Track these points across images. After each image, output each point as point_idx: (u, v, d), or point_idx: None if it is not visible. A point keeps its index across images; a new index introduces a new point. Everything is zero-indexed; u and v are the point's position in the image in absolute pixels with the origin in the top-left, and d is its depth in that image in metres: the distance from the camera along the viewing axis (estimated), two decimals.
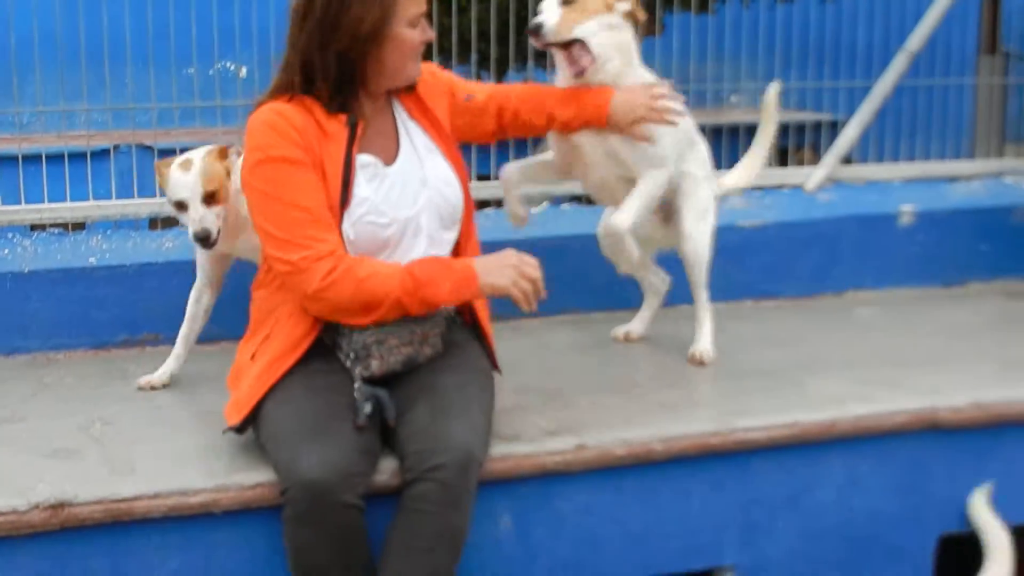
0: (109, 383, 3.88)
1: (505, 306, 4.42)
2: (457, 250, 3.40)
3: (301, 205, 3.12)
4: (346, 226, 3.19)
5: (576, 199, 5.28)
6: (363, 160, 3.23)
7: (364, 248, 3.20)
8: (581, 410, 3.67)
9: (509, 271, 3.19)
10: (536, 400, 3.72)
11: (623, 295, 4.72)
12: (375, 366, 3.22)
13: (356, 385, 3.18)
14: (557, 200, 5.30)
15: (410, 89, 3.39)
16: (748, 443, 3.55)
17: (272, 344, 3.26)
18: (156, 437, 3.43)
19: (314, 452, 2.94)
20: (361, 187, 3.21)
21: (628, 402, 3.76)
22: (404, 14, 3.20)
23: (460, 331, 3.44)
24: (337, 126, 3.21)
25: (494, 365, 3.50)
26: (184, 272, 3.97)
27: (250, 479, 3.16)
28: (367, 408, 3.10)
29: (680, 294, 4.30)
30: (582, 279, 4.71)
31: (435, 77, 3.50)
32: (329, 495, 2.90)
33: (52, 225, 4.73)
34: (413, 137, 3.35)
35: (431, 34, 3.29)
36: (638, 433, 3.51)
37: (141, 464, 3.23)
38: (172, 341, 4.06)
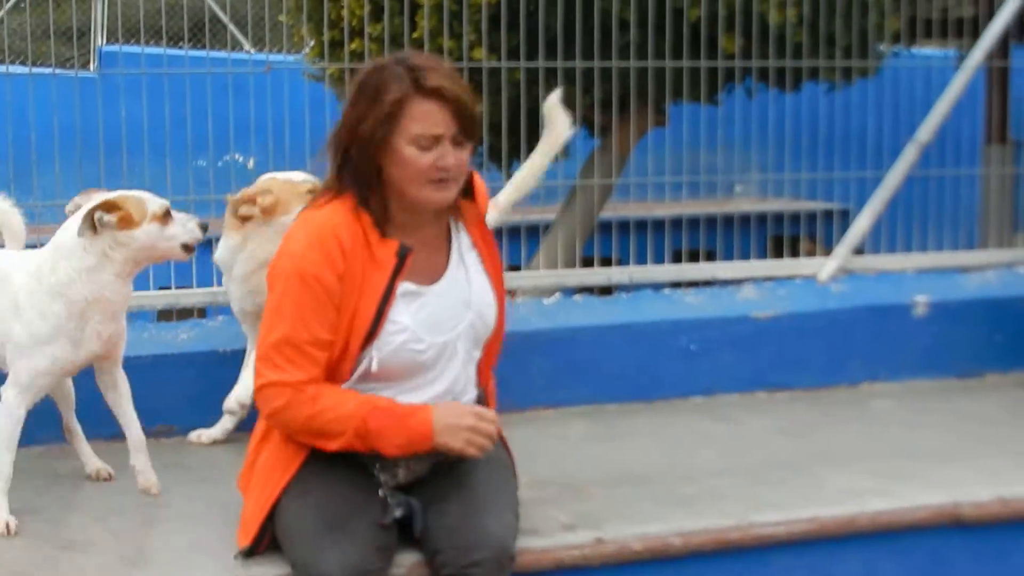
0: (122, 475, 3.86)
1: (518, 398, 4.45)
2: (479, 363, 3.31)
3: (307, 328, 3.02)
4: (374, 352, 3.08)
5: (588, 290, 5.30)
6: (405, 288, 3.12)
7: (398, 372, 3.11)
8: (598, 503, 3.65)
9: (464, 433, 3.02)
10: (552, 492, 3.70)
11: (636, 386, 4.72)
12: (402, 475, 3.18)
13: (385, 492, 3.13)
14: (569, 292, 5.31)
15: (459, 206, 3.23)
16: (767, 538, 3.52)
17: (268, 457, 3.21)
18: (170, 529, 3.42)
19: (332, 550, 2.91)
20: (401, 314, 3.10)
21: (645, 495, 3.73)
22: (407, 130, 3.01)
23: None
24: (387, 253, 3.08)
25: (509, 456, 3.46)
26: (199, 363, 3.98)
27: (268, 572, 3.13)
28: (397, 513, 3.07)
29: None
30: (595, 370, 4.72)
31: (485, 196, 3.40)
32: None
33: None
34: (466, 258, 3.23)
35: (449, 161, 3.03)
36: (656, 528, 3.48)
37: (156, 556, 3.23)
38: (186, 432, 4.07)
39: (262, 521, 3.14)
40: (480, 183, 3.33)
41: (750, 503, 3.65)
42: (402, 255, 3.08)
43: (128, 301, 3.54)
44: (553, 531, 3.42)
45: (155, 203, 3.43)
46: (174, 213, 3.46)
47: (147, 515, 3.49)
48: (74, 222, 3.40)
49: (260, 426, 3.27)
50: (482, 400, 3.29)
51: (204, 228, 3.50)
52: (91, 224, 3.33)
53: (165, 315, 5.13)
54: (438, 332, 3.14)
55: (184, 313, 5.04)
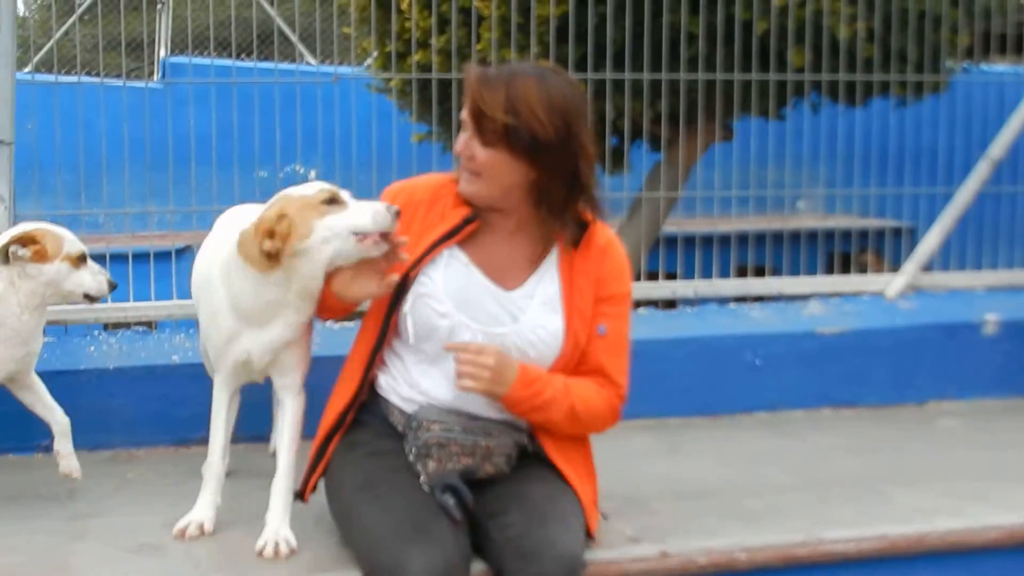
0: (189, 480, 3.87)
1: None
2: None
3: None
4: (406, 305, 3.22)
5: (651, 304, 5.27)
6: (454, 252, 3.24)
7: (420, 330, 3.22)
8: (662, 517, 3.64)
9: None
10: (616, 506, 3.67)
11: (700, 400, 4.70)
12: (431, 467, 3.17)
13: (422, 479, 3.16)
14: (635, 305, 5.30)
15: (576, 237, 3.26)
16: (836, 555, 3.49)
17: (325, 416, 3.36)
18: (238, 534, 3.41)
19: (420, 554, 2.91)
20: (436, 271, 3.23)
21: (710, 510, 3.71)
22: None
23: (535, 463, 3.33)
24: (455, 216, 3.25)
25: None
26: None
27: None
28: (450, 500, 3.08)
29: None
30: (659, 384, 4.69)
31: (620, 271, 3.34)
32: None
33: (136, 324, 4.77)
34: (541, 288, 3.26)
35: (459, 144, 3.19)
36: (721, 542, 3.46)
37: (224, 560, 3.23)
38: (250, 439, 4.08)
39: (310, 463, 3.30)
40: (606, 240, 3.32)
41: (817, 520, 3.62)
42: (467, 220, 3.23)
43: (39, 329, 3.61)
44: (618, 544, 3.40)
45: (72, 245, 3.52)
46: (90, 262, 3.55)
47: (216, 521, 3.49)
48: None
49: None
50: (520, 429, 3.29)
51: (112, 287, 3.57)
52: (4, 254, 3.45)
53: None
54: (464, 309, 3.21)
55: None
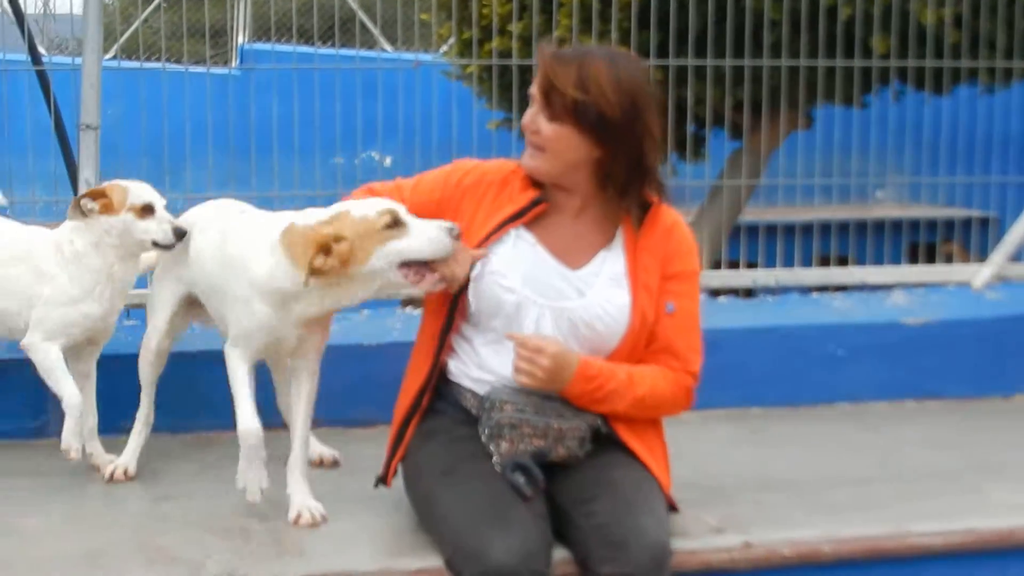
0: (272, 463, 3.88)
1: None
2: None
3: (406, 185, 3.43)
4: (481, 281, 3.25)
5: (733, 292, 5.23)
6: (520, 233, 3.28)
7: (487, 308, 3.25)
8: (745, 507, 3.61)
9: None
10: (698, 495, 3.65)
11: (781, 390, 4.65)
12: (503, 448, 3.18)
13: (494, 460, 3.17)
14: (712, 292, 5.26)
15: (640, 213, 3.28)
16: (923, 548, 3.44)
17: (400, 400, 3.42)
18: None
19: (503, 538, 2.91)
20: (504, 249, 3.26)
21: (793, 501, 3.68)
22: None
23: (612, 447, 3.32)
24: (523, 199, 3.29)
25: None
26: (345, 357, 4.00)
27: (414, 564, 3.15)
28: (520, 479, 3.09)
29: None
30: (740, 373, 4.66)
31: (686, 249, 3.35)
32: None
33: None
34: (607, 265, 3.28)
35: (525, 117, 3.23)
36: (805, 533, 3.42)
37: (307, 544, 3.24)
38: (330, 424, 4.09)
39: (389, 448, 3.36)
40: (672, 220, 3.33)
41: (903, 512, 3.58)
42: (535, 202, 3.27)
43: (130, 282, 3.82)
44: (701, 533, 3.38)
45: (138, 196, 3.68)
46: (159, 212, 3.67)
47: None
48: None
49: None
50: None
51: (179, 234, 3.65)
52: (78, 208, 3.69)
53: None
54: (531, 285, 3.23)
55: None
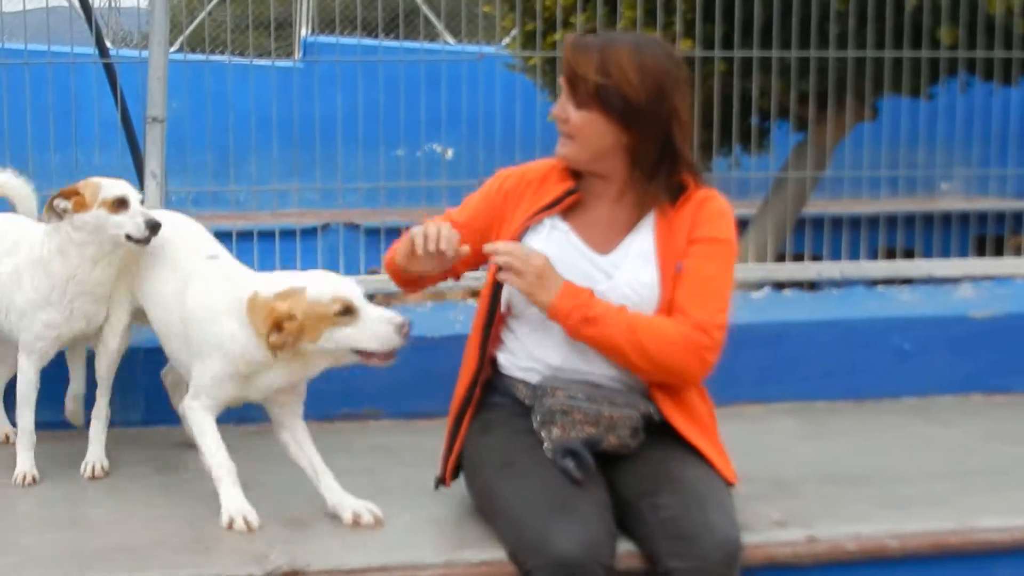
0: (334, 455, 3.90)
1: (724, 393, 4.39)
2: None
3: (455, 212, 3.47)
4: None
5: (797, 285, 5.20)
6: (554, 222, 3.31)
7: (519, 299, 3.28)
8: (809, 501, 3.58)
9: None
10: (761, 489, 3.63)
11: (846, 384, 4.62)
12: (555, 434, 3.18)
13: (545, 446, 3.18)
14: (777, 285, 5.23)
15: (675, 194, 3.28)
16: (990, 544, 3.40)
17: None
18: (383, 510, 3.41)
19: (563, 530, 2.91)
20: (534, 240, 3.29)
21: (858, 495, 3.64)
22: None
23: (670, 441, 3.30)
24: (558, 190, 3.33)
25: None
26: (409, 349, 4.00)
27: (478, 556, 3.14)
28: (570, 463, 3.09)
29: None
30: (804, 366, 4.62)
31: (713, 216, 3.29)
32: (582, 573, 2.87)
33: None
34: (636, 242, 3.28)
35: (556, 108, 3.26)
36: (870, 528, 3.39)
37: (371, 536, 3.25)
38: (392, 416, 4.10)
39: (445, 447, 3.41)
40: (705, 194, 3.30)
41: (969, 508, 3.53)
42: (569, 192, 3.30)
43: (111, 285, 3.71)
44: (764, 528, 3.36)
45: (110, 191, 3.59)
46: (133, 206, 3.58)
47: (362, 497, 3.52)
48: None
49: None
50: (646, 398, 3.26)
51: (152, 227, 3.55)
52: (51, 209, 3.60)
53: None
54: (559, 272, 3.21)
55: (388, 298, 5.10)
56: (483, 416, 3.38)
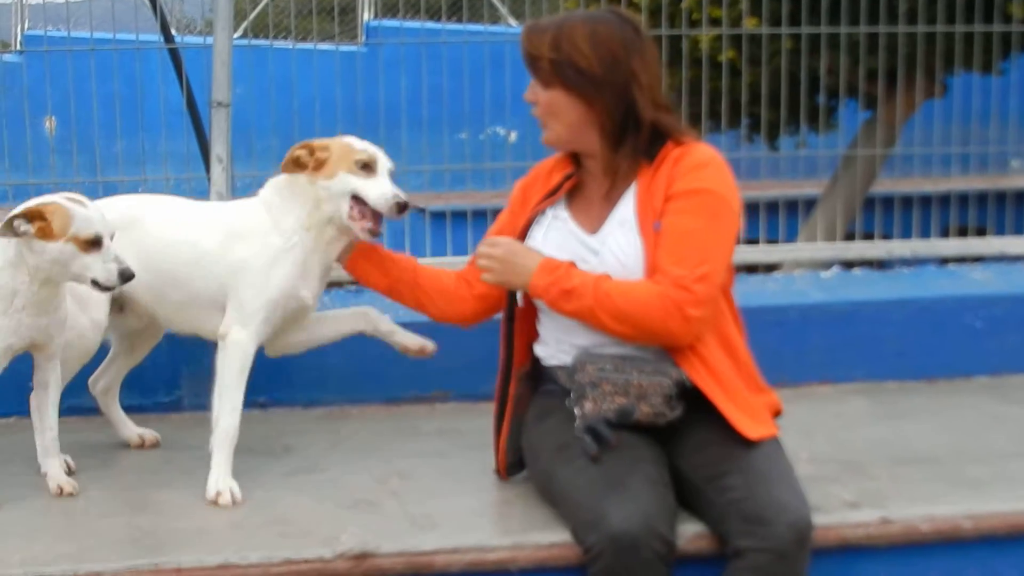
0: (401, 438, 3.93)
1: (793, 373, 4.36)
2: None
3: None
4: None
5: (867, 264, 5.14)
6: (556, 212, 3.37)
7: None
8: (881, 482, 3.54)
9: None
10: (833, 470, 3.60)
11: (917, 364, 4.56)
12: (588, 408, 3.20)
13: (576, 423, 3.19)
14: (847, 265, 5.17)
15: (651, 159, 3.27)
16: None
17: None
18: (451, 492, 3.46)
19: (621, 505, 2.93)
20: (537, 231, 3.37)
21: (931, 476, 3.60)
22: None
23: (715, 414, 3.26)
24: (557, 178, 3.42)
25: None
26: (473, 330, 4.00)
27: (546, 538, 3.14)
28: (588, 439, 3.13)
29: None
30: (875, 346, 4.57)
31: (690, 169, 3.24)
32: (640, 547, 2.88)
33: (348, 283, 4.83)
34: (617, 213, 3.29)
35: (526, 94, 3.32)
36: (945, 509, 3.35)
37: (439, 518, 3.25)
38: (459, 398, 4.09)
39: (494, 443, 3.49)
40: (682, 151, 3.26)
41: None
42: (566, 178, 3.37)
43: (59, 300, 3.42)
44: (837, 509, 3.32)
45: (85, 226, 3.24)
46: (107, 247, 3.26)
47: (430, 479, 3.54)
48: None
49: None
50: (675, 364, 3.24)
51: (125, 277, 3.27)
52: (10, 227, 3.23)
53: None
54: (558, 258, 3.26)
55: None
56: (539, 403, 3.42)
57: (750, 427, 3.18)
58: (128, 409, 3.92)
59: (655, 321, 3.14)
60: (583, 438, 3.14)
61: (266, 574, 3.00)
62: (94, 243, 3.24)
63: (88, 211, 3.26)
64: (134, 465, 3.71)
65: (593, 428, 3.15)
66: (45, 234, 3.23)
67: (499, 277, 3.29)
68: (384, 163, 3.53)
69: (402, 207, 3.47)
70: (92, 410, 3.88)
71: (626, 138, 3.25)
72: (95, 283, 3.27)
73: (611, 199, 3.31)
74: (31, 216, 3.23)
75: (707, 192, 3.21)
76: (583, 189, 3.37)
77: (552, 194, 3.38)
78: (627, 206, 3.27)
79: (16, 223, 3.22)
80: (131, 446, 3.86)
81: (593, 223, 3.31)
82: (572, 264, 3.22)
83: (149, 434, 3.88)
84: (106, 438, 3.90)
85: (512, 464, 3.49)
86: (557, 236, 3.33)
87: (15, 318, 3.35)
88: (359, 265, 3.59)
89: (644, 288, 3.16)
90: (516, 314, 3.44)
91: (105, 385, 3.87)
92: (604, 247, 3.26)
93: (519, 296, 3.42)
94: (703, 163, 3.24)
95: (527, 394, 3.47)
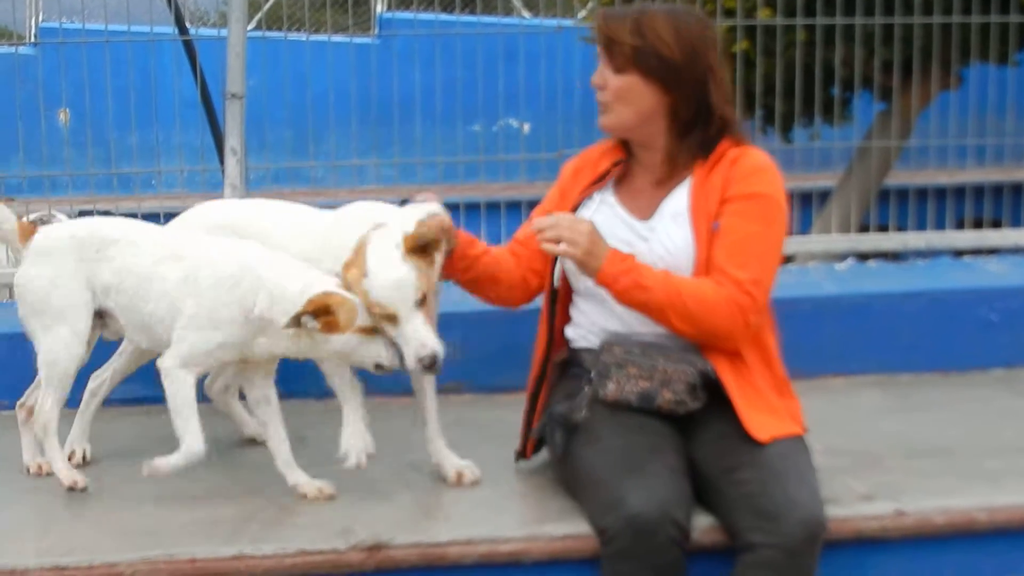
0: (417, 430, 3.92)
1: (807, 365, 4.34)
2: None
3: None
4: None
5: (882, 255, 5.13)
6: (604, 197, 3.38)
7: (571, 268, 3.35)
8: (896, 475, 3.53)
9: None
10: (847, 462, 3.60)
11: (931, 356, 4.55)
12: (610, 389, 3.23)
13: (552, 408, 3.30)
14: (862, 257, 5.16)
15: (707, 154, 3.31)
16: None
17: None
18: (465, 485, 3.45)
19: (638, 489, 2.96)
20: (587, 213, 3.35)
21: (945, 468, 3.59)
22: None
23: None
24: (606, 163, 3.42)
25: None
26: (493, 322, 4.01)
27: (559, 530, 3.15)
28: (557, 438, 3.25)
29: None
30: (889, 338, 4.56)
31: (748, 173, 3.28)
32: (656, 531, 2.91)
33: None
34: (670, 204, 3.31)
35: (594, 78, 3.31)
36: (960, 501, 3.34)
37: (453, 510, 3.27)
38: (474, 390, 4.09)
39: (524, 422, 3.49)
40: (739, 152, 3.29)
41: None
42: (615, 164, 3.39)
43: None
44: (851, 501, 3.32)
45: (364, 316, 3.17)
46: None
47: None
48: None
49: None
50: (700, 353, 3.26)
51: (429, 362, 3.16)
52: (296, 323, 3.16)
53: None
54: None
55: None
56: (564, 386, 3.42)
57: (761, 426, 3.18)
58: (141, 400, 3.93)
59: (719, 324, 3.19)
60: (552, 432, 3.25)
61: (280, 565, 3.02)
62: (372, 330, 3.19)
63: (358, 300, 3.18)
64: (148, 456, 3.71)
65: (560, 421, 3.24)
66: (331, 327, 3.16)
67: (582, 254, 3.17)
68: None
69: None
70: (107, 401, 3.89)
71: (694, 130, 3.29)
72: (379, 368, 3.23)
73: (664, 188, 3.33)
74: (317, 312, 3.14)
75: (766, 197, 3.25)
76: (631, 177, 3.40)
77: (600, 180, 3.40)
78: (681, 198, 3.29)
79: (304, 320, 3.14)
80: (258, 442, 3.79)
81: (644, 210, 3.33)
82: (634, 257, 3.22)
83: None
84: (120, 429, 3.91)
85: (537, 447, 3.51)
86: (604, 220, 3.33)
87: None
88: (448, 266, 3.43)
89: (711, 290, 3.18)
90: (557, 298, 3.44)
91: (223, 384, 3.90)
92: (654, 235, 3.29)
93: (556, 278, 3.42)
94: (761, 168, 3.28)
95: (558, 380, 3.48)
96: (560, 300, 3.45)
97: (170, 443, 3.63)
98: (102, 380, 3.79)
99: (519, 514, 3.25)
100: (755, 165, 3.28)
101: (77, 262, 3.43)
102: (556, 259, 3.38)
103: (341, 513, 3.23)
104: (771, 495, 2.99)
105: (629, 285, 3.17)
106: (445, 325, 3.79)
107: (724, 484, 3.10)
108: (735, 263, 3.19)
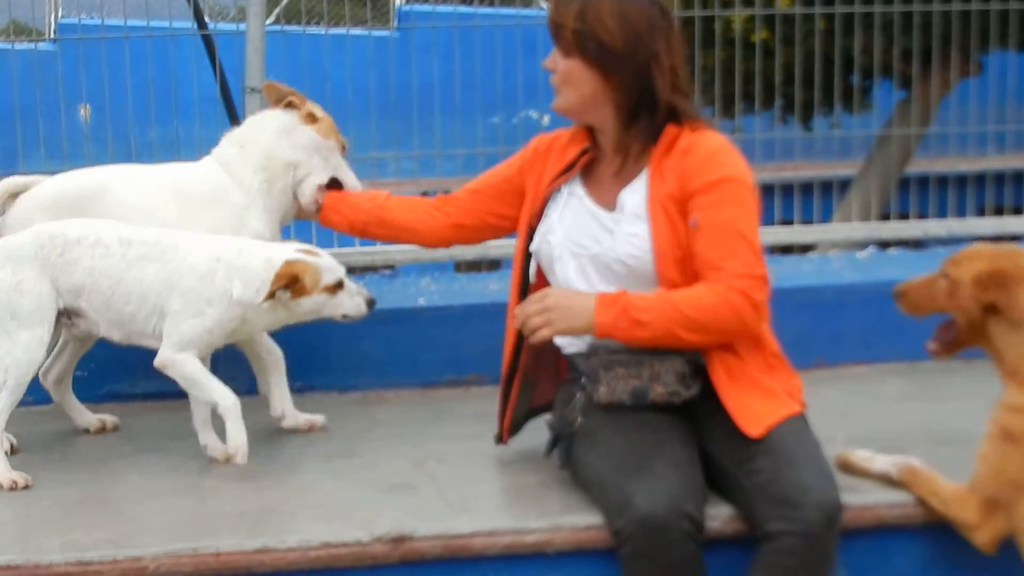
0: (437, 422, 3.94)
1: (829, 354, 4.33)
2: None
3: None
4: (533, 244, 3.40)
5: (903, 244, 5.11)
6: (572, 189, 3.37)
7: (545, 262, 3.38)
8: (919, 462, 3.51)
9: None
10: (871, 449, 3.57)
11: None
12: (602, 392, 3.22)
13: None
14: (883, 245, 5.14)
15: (655, 139, 3.29)
16: None
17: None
18: (487, 476, 3.47)
19: (646, 488, 2.94)
20: (553, 210, 3.36)
21: (969, 456, 3.54)
22: None
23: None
24: (572, 152, 3.41)
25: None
26: (497, 315, 4.00)
27: (583, 520, 3.14)
28: (559, 446, 3.33)
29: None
30: (911, 326, 4.51)
31: (704, 160, 3.23)
32: (668, 528, 2.90)
33: (383, 267, 4.87)
34: (629, 194, 3.29)
35: (546, 61, 3.32)
36: None
37: (476, 502, 3.26)
38: (495, 382, 4.08)
39: (499, 408, 3.53)
40: (689, 141, 3.25)
41: None
42: (582, 153, 3.37)
43: None
44: (874, 489, 3.31)
45: (330, 275, 3.55)
46: (347, 284, 3.57)
47: (466, 463, 3.54)
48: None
49: None
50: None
51: (370, 304, 3.59)
52: (273, 296, 3.49)
53: (457, 267, 5.24)
54: (571, 235, 3.31)
55: (474, 265, 5.12)
56: (565, 391, 3.43)
57: (754, 419, 3.15)
58: (159, 396, 3.94)
59: (728, 320, 3.15)
60: (553, 442, 3.34)
61: (304, 558, 3.02)
62: (339, 285, 3.55)
63: (326, 260, 3.57)
64: (172, 450, 3.73)
65: (559, 430, 3.32)
66: (300, 293, 3.52)
67: (560, 327, 3.18)
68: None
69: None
70: (129, 396, 3.91)
71: (639, 117, 3.27)
72: (345, 316, 3.58)
73: (621, 179, 3.32)
74: (288, 283, 3.49)
75: (729, 180, 3.22)
76: (598, 164, 3.38)
77: (567, 170, 3.39)
78: (638, 193, 3.28)
79: (279, 294, 3.49)
80: (91, 432, 3.92)
81: (608, 200, 3.33)
82: (624, 291, 3.18)
83: (109, 419, 3.95)
84: (143, 424, 3.93)
85: (512, 431, 3.56)
86: (573, 215, 3.33)
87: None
88: (328, 217, 3.82)
89: (706, 293, 3.15)
90: (529, 292, 3.40)
91: (57, 375, 3.92)
92: (619, 227, 3.27)
93: (532, 274, 3.42)
94: (715, 151, 3.24)
95: (535, 366, 3.49)
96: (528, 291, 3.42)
97: (194, 437, 3.67)
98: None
99: (542, 505, 3.24)
100: (709, 150, 3.24)
101: (41, 267, 3.51)
102: (529, 255, 3.42)
103: (364, 505, 3.23)
104: (785, 481, 2.98)
105: (630, 325, 3.13)
106: (463, 319, 3.81)
107: (738, 474, 3.10)
108: (723, 253, 3.16)
